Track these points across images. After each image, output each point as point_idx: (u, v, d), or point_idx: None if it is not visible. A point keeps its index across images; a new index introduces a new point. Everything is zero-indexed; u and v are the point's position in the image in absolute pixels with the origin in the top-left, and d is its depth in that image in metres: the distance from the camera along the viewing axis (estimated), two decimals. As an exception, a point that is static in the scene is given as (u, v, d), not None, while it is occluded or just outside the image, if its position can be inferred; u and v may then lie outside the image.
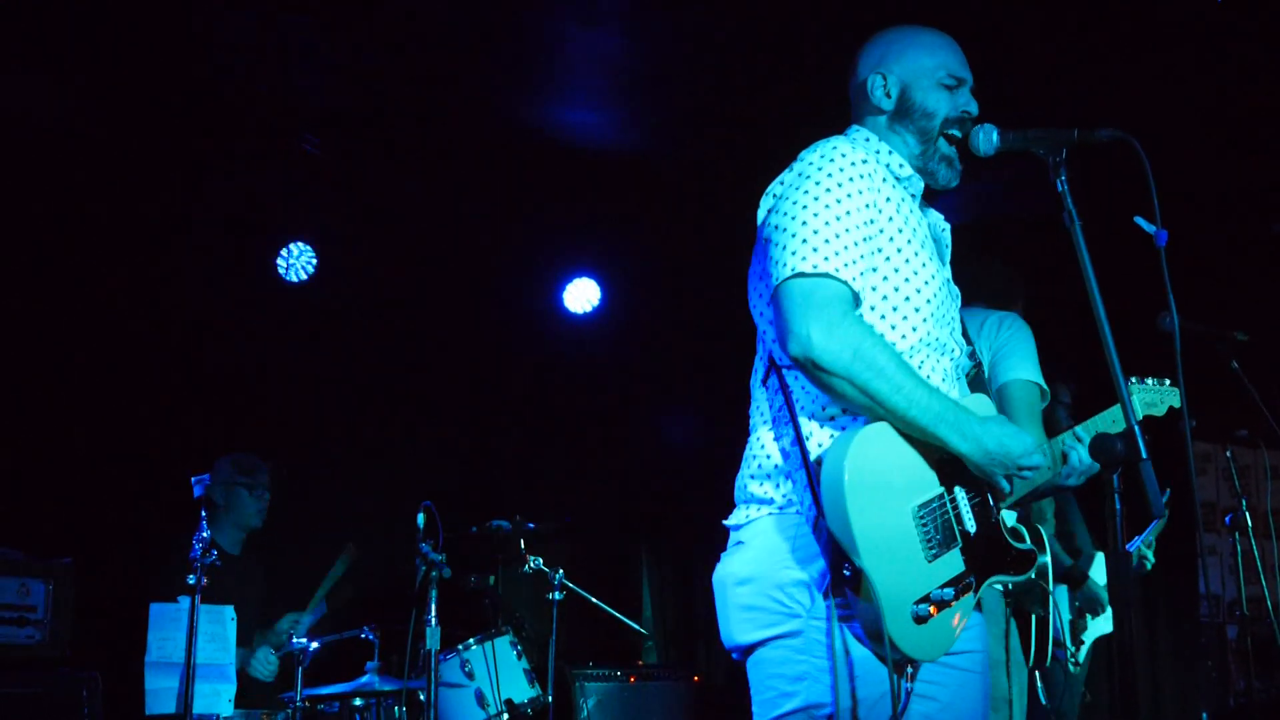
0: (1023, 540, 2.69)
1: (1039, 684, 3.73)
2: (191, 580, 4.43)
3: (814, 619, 2.47)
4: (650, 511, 8.34)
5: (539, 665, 5.71)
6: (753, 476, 2.66)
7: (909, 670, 2.44)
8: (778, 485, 2.59)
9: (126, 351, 6.23)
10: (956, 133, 2.75)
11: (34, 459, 5.80)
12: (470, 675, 5.40)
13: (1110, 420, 3.12)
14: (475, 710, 5.36)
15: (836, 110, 2.99)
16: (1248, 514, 5.54)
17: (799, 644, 2.49)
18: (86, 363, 6.10)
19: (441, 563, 5.02)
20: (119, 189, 6.16)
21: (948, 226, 2.90)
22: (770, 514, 2.59)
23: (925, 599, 2.44)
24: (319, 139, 6.52)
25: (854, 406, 2.49)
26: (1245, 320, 4.77)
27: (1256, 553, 5.52)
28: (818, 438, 2.54)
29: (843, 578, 2.36)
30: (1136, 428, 2.35)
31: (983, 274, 4.33)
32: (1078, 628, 5.58)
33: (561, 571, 5.86)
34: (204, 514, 4.55)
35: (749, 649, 2.60)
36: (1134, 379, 3.41)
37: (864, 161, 2.61)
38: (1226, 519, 5.68)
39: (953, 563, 2.52)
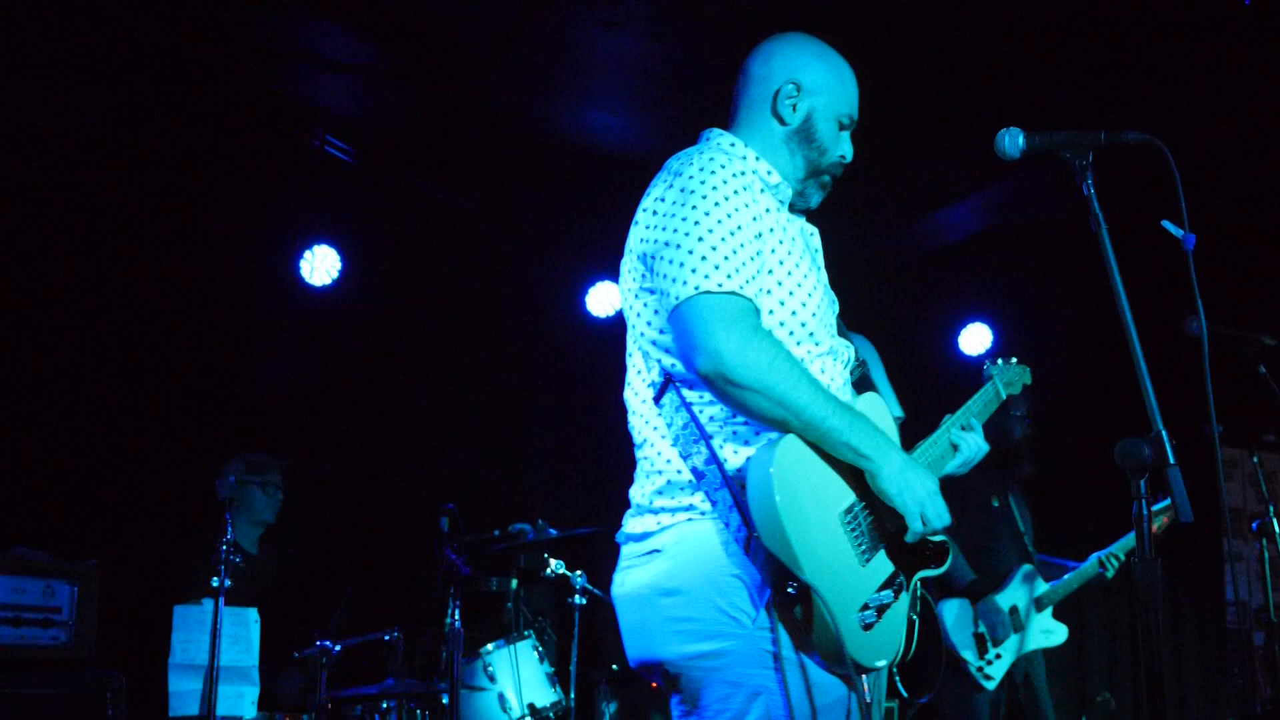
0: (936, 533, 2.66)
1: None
2: (215, 583, 4.45)
3: (760, 628, 2.36)
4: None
5: (561, 669, 5.71)
6: (659, 492, 2.54)
7: (864, 681, 2.37)
8: (691, 495, 2.48)
9: (150, 354, 6.26)
10: (831, 177, 2.78)
11: (59, 461, 5.83)
12: (492, 678, 5.40)
13: (982, 404, 3.17)
14: (497, 713, 5.36)
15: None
16: (1275, 520, 5.50)
17: (750, 656, 2.37)
18: (110, 365, 6.13)
19: (464, 566, 5.02)
20: (143, 193, 6.19)
21: (816, 231, 2.84)
22: (691, 519, 2.47)
23: (867, 605, 2.41)
24: (342, 142, 6.54)
25: (764, 420, 2.41)
26: (1274, 324, 4.74)
27: (1285, 559, 5.49)
28: (730, 456, 2.46)
29: (788, 597, 2.27)
30: (1164, 433, 2.33)
31: None
32: (983, 641, 5.52)
33: (583, 575, 5.86)
34: (228, 517, 4.57)
35: (679, 662, 2.46)
36: (987, 361, 3.42)
37: (742, 174, 2.54)
38: (1253, 525, 5.64)
39: (884, 564, 2.50)
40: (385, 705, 5.31)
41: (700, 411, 2.50)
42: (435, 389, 7.32)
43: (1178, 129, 4.37)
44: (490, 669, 5.41)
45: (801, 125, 2.73)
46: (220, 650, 4.46)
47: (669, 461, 2.53)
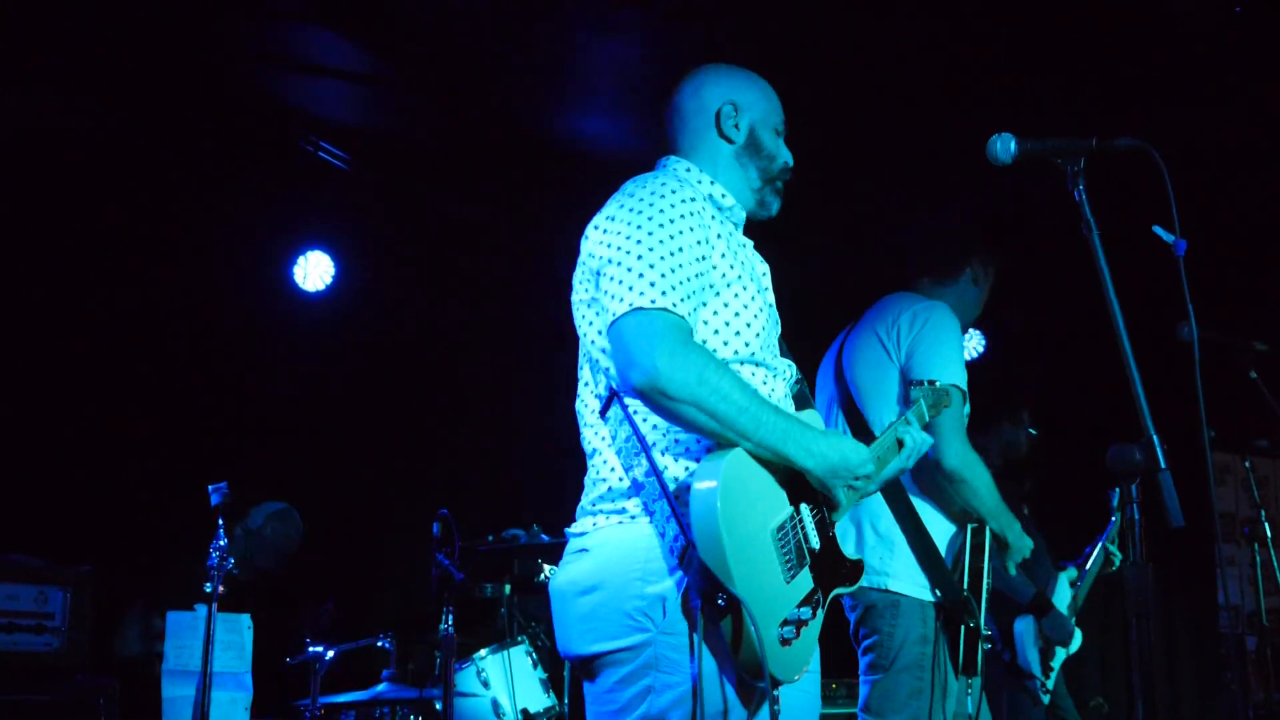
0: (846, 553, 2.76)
1: (978, 699, 3.76)
2: (209, 588, 4.44)
3: (664, 634, 2.46)
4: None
5: (554, 674, 5.71)
6: (601, 497, 2.65)
7: (775, 694, 2.43)
8: (626, 501, 2.59)
9: (144, 359, 6.26)
10: (783, 182, 2.94)
11: (53, 467, 5.82)
12: (486, 684, 5.40)
13: (927, 406, 3.20)
14: (491, 719, 5.36)
15: (845, 120, 3.00)
16: (1267, 525, 5.51)
17: (645, 657, 2.48)
18: (105, 370, 6.12)
19: (457, 571, 5.02)
20: (137, 198, 6.18)
21: (765, 263, 2.96)
22: (621, 522, 2.58)
23: (787, 621, 2.48)
24: (336, 147, 6.54)
25: (700, 432, 2.50)
26: (1264, 330, 4.75)
27: (1276, 563, 5.50)
28: (671, 467, 2.57)
29: (717, 608, 2.34)
30: (1155, 437, 2.34)
31: (927, 240, 4.29)
32: (1047, 656, 5.46)
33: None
34: (220, 523, 4.56)
35: (588, 660, 2.57)
36: (915, 384, 3.43)
37: (692, 199, 2.67)
38: (1245, 530, 5.65)
39: (805, 581, 2.57)
40: (378, 712, 5.30)
41: (643, 422, 2.60)
42: (428, 394, 7.32)
43: (1169, 135, 4.38)
44: (484, 675, 5.40)
45: (748, 139, 2.91)
46: (213, 656, 4.45)
47: (613, 470, 2.64)
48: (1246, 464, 5.84)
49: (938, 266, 4.16)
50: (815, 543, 2.62)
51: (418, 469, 7.14)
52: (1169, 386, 3.06)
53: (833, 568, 2.67)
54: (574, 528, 2.71)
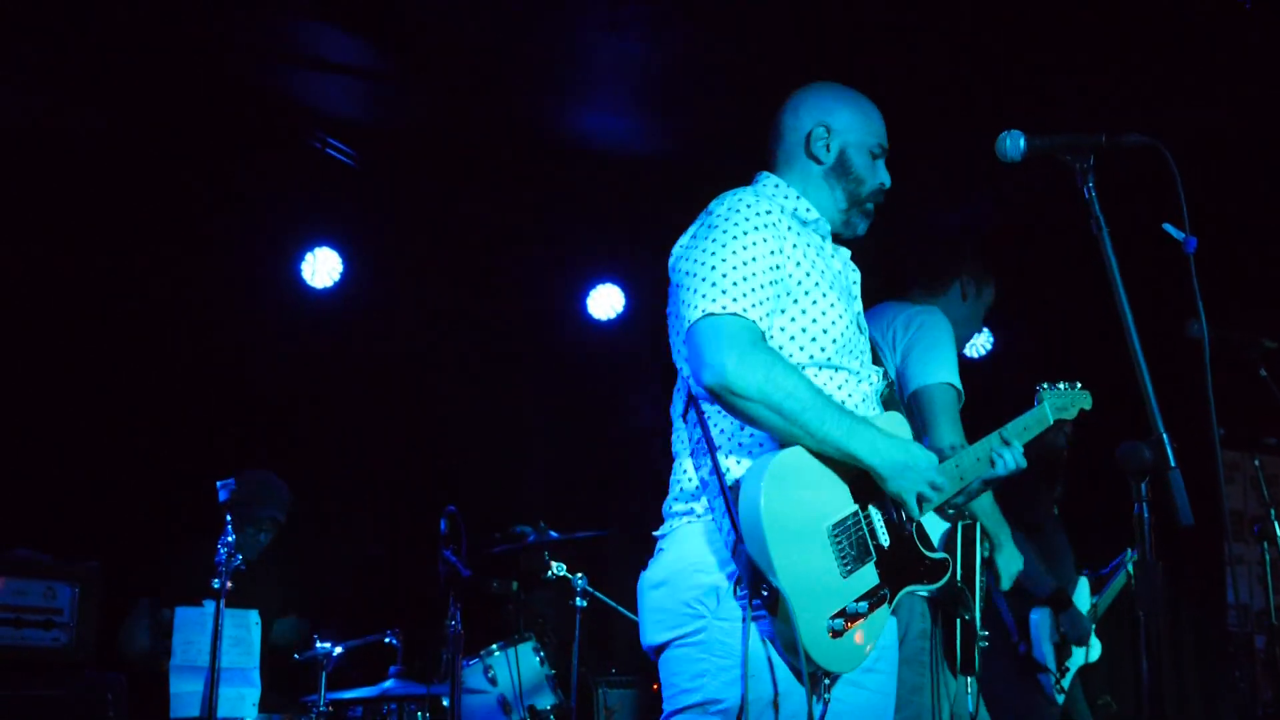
0: (934, 549, 2.82)
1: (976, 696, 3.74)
2: (216, 584, 4.45)
3: (718, 620, 2.61)
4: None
5: (562, 672, 5.70)
6: (676, 498, 2.83)
7: (825, 682, 2.57)
8: (694, 501, 2.76)
9: (152, 355, 6.27)
10: (874, 204, 3.03)
11: (61, 463, 5.83)
12: (493, 681, 5.40)
13: (1024, 426, 3.25)
14: (498, 716, 5.36)
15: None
16: (1276, 523, 5.49)
17: (701, 642, 2.63)
18: (112, 367, 6.13)
19: (464, 568, 5.02)
20: (143, 196, 6.19)
21: (857, 270, 3.09)
22: (689, 522, 2.74)
23: (841, 613, 2.58)
24: (344, 144, 6.54)
25: (768, 429, 2.64)
26: (1274, 327, 4.74)
27: (1286, 562, 5.48)
28: (733, 468, 2.71)
29: (761, 597, 2.47)
30: (1164, 435, 2.33)
31: (917, 255, 4.39)
32: (1063, 654, 5.45)
33: (584, 578, 5.86)
34: (229, 519, 4.56)
35: (659, 649, 2.74)
36: (1044, 385, 3.45)
37: (768, 212, 2.79)
38: (1255, 528, 5.63)
39: (867, 577, 2.66)
40: (385, 708, 5.31)
41: (712, 426, 2.76)
42: (436, 391, 7.32)
43: (1179, 131, 4.37)
44: (491, 671, 5.41)
45: (836, 162, 3.00)
46: (221, 652, 4.46)
47: (685, 472, 2.81)
48: (1256, 462, 5.82)
49: (926, 277, 4.32)
50: (884, 539, 2.72)
51: (425, 465, 7.15)
52: (1178, 384, 3.05)
53: (907, 565, 2.75)
54: (658, 530, 2.88)
